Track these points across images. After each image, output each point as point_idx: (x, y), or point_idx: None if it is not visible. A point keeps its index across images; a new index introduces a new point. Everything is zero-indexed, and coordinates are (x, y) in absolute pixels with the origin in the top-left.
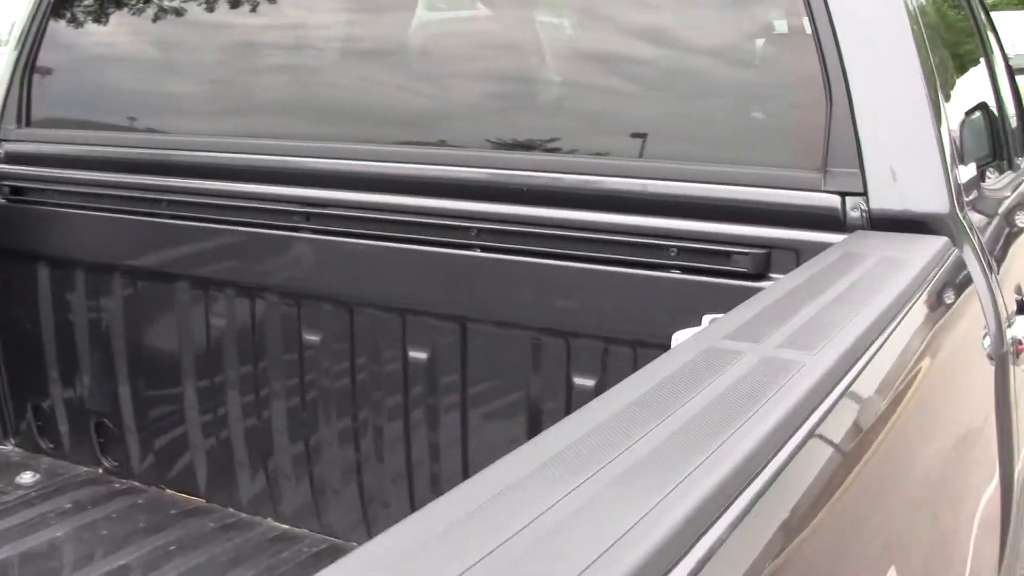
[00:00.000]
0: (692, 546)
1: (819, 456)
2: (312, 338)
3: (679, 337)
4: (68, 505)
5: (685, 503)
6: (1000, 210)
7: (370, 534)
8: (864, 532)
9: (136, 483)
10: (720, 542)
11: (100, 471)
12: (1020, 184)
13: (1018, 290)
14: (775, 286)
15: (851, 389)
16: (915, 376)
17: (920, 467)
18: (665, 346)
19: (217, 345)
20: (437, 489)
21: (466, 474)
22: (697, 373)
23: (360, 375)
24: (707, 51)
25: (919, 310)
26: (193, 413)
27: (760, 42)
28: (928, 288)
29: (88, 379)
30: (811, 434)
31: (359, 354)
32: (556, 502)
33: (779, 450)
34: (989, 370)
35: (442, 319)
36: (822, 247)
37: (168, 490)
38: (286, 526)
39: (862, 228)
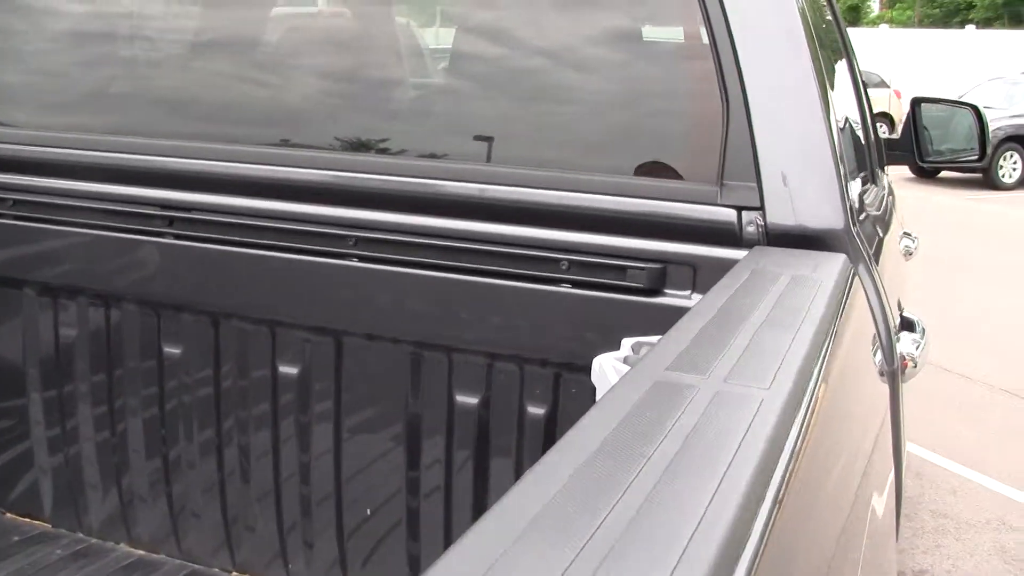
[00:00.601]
0: None
1: (784, 494)
2: (172, 350)
3: (602, 363)
4: None
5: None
6: (877, 225)
7: (233, 560)
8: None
9: None
10: None
11: None
12: (883, 199)
13: (899, 306)
14: (699, 309)
15: (806, 421)
16: (835, 399)
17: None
18: (554, 363)
19: (67, 356)
20: (307, 511)
21: (339, 494)
22: (655, 413)
23: (225, 390)
24: (601, 58)
25: (841, 332)
26: (38, 429)
27: (658, 49)
28: (842, 308)
29: None
30: (785, 478)
31: (224, 368)
32: None
33: (761, 502)
34: (883, 387)
35: (315, 332)
36: (719, 263)
37: (8, 514)
38: (142, 552)
39: (758, 243)
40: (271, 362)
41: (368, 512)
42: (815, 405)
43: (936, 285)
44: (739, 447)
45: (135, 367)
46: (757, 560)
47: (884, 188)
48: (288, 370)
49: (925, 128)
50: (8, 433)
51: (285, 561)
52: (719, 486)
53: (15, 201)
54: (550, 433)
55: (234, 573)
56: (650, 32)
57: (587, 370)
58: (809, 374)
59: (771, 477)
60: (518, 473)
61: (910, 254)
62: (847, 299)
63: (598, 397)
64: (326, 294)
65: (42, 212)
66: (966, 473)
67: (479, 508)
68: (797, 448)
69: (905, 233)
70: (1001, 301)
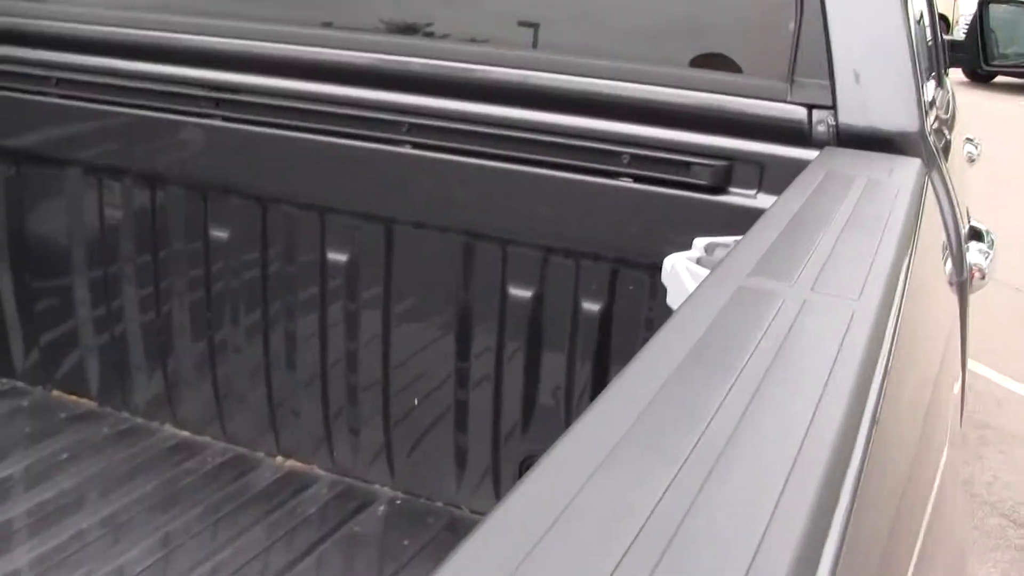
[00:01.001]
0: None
1: (880, 410)
2: (219, 234)
3: (675, 263)
4: None
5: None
6: (945, 129)
7: (278, 444)
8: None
9: (19, 383)
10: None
11: None
12: (948, 102)
13: (967, 214)
14: (774, 211)
15: (896, 333)
16: (916, 310)
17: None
18: (611, 259)
19: (113, 237)
20: (353, 398)
21: (386, 382)
22: (742, 323)
23: (272, 274)
24: None
25: (922, 240)
26: (84, 308)
27: None
28: (920, 216)
29: None
30: (881, 392)
31: (271, 253)
32: (656, 503)
33: (861, 418)
34: (953, 298)
35: (364, 219)
36: (787, 163)
37: (56, 392)
38: (187, 433)
39: (828, 144)
40: (320, 248)
41: (415, 402)
42: (902, 316)
43: (991, 193)
44: (835, 361)
45: (181, 249)
46: (861, 477)
47: (948, 91)
48: (337, 257)
49: (992, 30)
50: (54, 312)
51: (330, 448)
52: (819, 402)
53: (59, 80)
54: (605, 329)
55: (279, 458)
56: None
57: (645, 267)
58: (895, 284)
59: (868, 392)
60: (570, 369)
61: (972, 160)
62: (923, 206)
63: (669, 299)
64: (376, 180)
65: (87, 91)
66: (1011, 385)
67: (529, 401)
68: (889, 362)
69: (967, 138)
70: None
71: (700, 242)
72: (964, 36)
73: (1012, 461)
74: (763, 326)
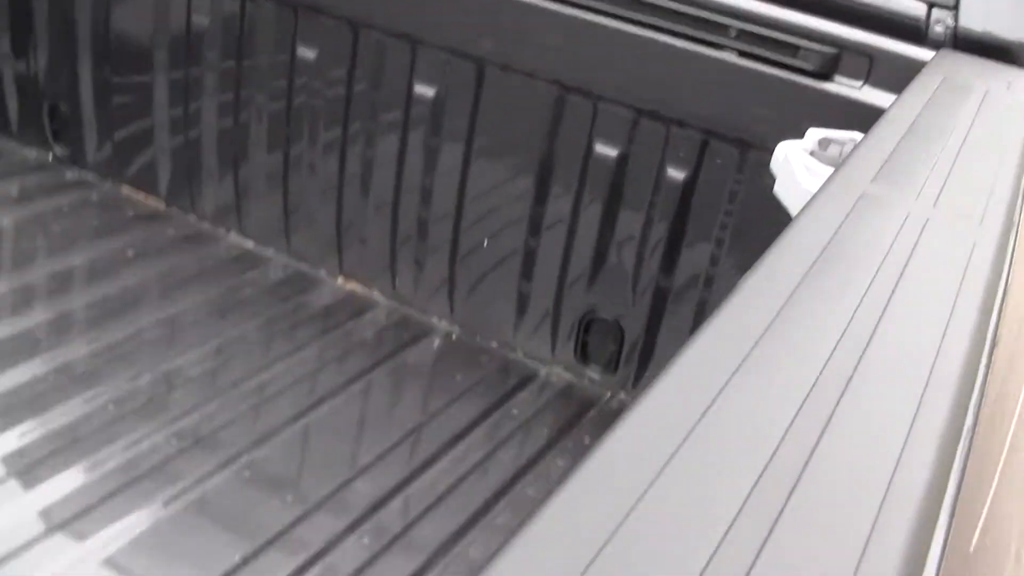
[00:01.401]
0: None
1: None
2: (307, 53)
3: (788, 152)
4: (13, 192)
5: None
6: None
7: (341, 266)
8: None
9: (89, 176)
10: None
11: (50, 158)
12: None
13: None
14: (893, 116)
15: (1012, 265)
16: None
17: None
18: (703, 129)
19: (197, 41)
20: (423, 230)
21: (458, 217)
22: (868, 235)
23: (356, 96)
24: None
25: None
26: (162, 108)
27: None
28: None
29: (45, 58)
30: (1000, 317)
31: (358, 78)
32: (790, 424)
33: (983, 344)
34: None
35: (457, 56)
36: (898, 59)
37: (124, 188)
38: (251, 244)
39: (943, 45)
40: (408, 78)
41: (485, 243)
42: (1019, 241)
43: None
44: (959, 289)
45: (266, 62)
46: (983, 398)
47: None
48: (423, 90)
49: None
50: (131, 108)
51: (393, 275)
52: (947, 326)
53: None
54: (686, 199)
55: (340, 279)
56: None
57: (735, 142)
58: (1014, 210)
59: (990, 319)
60: (645, 232)
61: None
62: None
63: (778, 187)
64: (471, 18)
65: None
66: None
67: (598, 258)
68: (1008, 283)
69: None
70: None
71: (814, 133)
72: None
73: None
74: (887, 243)
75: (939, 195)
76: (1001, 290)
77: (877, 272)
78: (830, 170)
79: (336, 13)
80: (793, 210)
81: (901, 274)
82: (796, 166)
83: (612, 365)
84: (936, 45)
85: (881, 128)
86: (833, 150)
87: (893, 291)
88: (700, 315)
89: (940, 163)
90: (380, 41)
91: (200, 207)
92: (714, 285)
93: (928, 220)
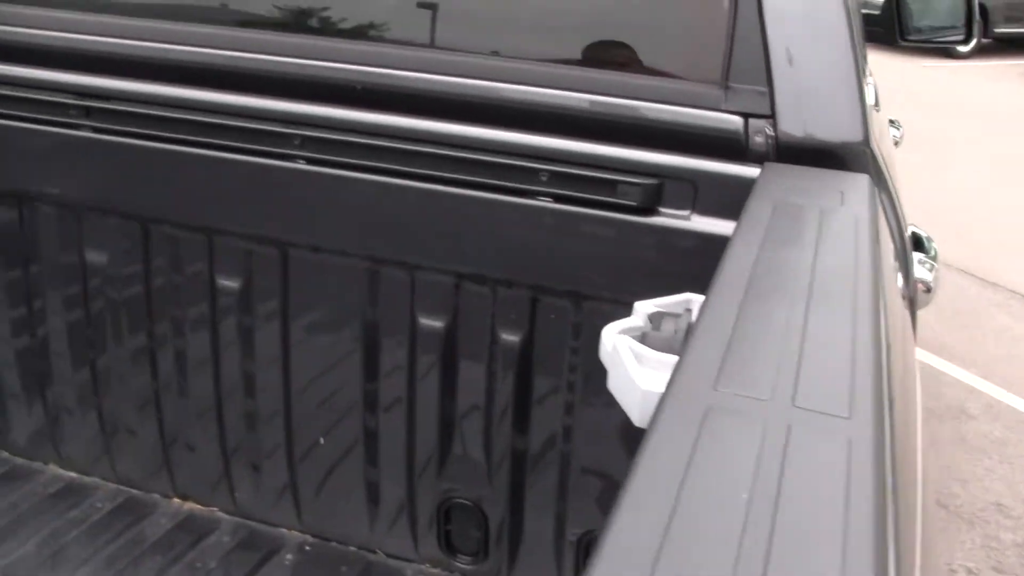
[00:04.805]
0: None
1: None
2: (97, 258)
3: (616, 342)
4: None
5: None
6: (878, 124)
7: (174, 485)
8: None
9: None
10: None
11: None
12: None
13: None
14: (728, 271)
15: (893, 454)
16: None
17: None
18: (530, 285)
19: None
20: (253, 428)
21: (288, 412)
22: (725, 463)
23: (157, 298)
24: None
25: (888, 290)
26: None
27: None
28: (880, 243)
29: None
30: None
31: (155, 277)
32: None
33: None
34: (906, 314)
35: (258, 243)
36: (722, 179)
37: None
38: (73, 474)
39: (766, 158)
40: (209, 275)
41: (321, 440)
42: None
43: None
44: (846, 505)
45: (55, 269)
46: None
47: (870, 72)
48: (228, 284)
49: (906, 3)
50: None
51: (231, 488)
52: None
53: None
54: (525, 359)
55: (175, 500)
56: None
57: (568, 295)
58: (883, 395)
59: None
60: (490, 399)
61: (897, 144)
62: (879, 237)
63: (611, 383)
64: (269, 200)
65: None
66: (927, 359)
67: (445, 431)
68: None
69: (890, 121)
70: (951, 174)
71: (642, 308)
72: (880, 10)
73: (930, 438)
74: (750, 469)
75: (795, 389)
76: (891, 498)
77: (748, 512)
78: (666, 359)
79: (123, 212)
80: (632, 412)
81: (776, 507)
82: (627, 359)
83: (481, 552)
84: (759, 158)
85: (715, 296)
86: (667, 327)
87: (772, 530)
88: (565, 473)
89: (789, 339)
90: (173, 236)
91: (10, 440)
92: (574, 435)
93: (790, 427)
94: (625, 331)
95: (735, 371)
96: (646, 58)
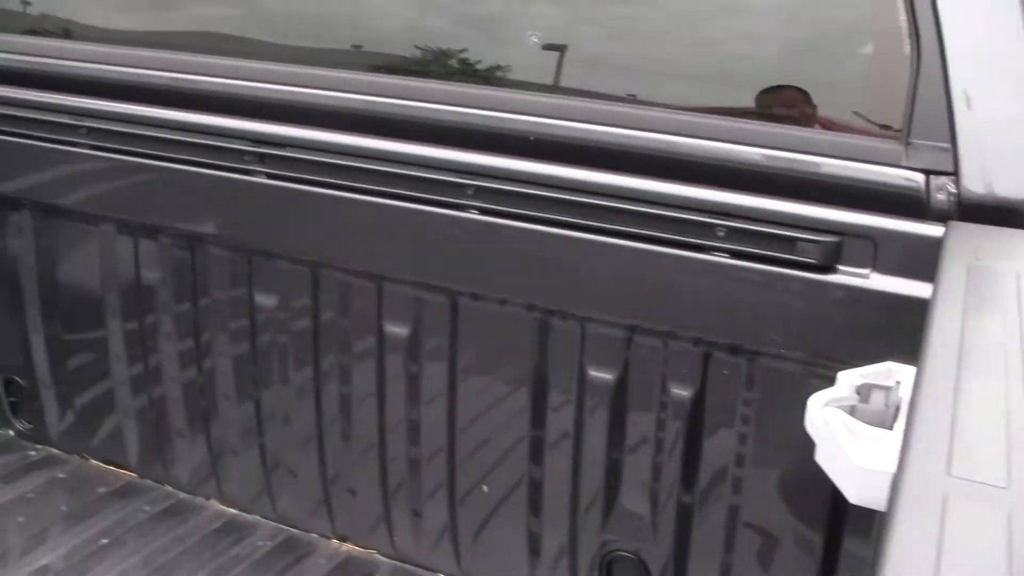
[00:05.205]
0: None
1: None
2: (267, 302)
3: (827, 416)
4: None
5: None
6: None
7: (333, 524)
8: None
9: (55, 451)
10: None
11: (11, 434)
12: None
13: None
14: (935, 341)
15: None
16: None
17: None
18: (703, 341)
19: (148, 292)
20: (416, 471)
21: (452, 454)
22: (975, 556)
23: (324, 336)
24: None
25: None
26: (119, 366)
27: None
28: None
29: None
30: None
31: (323, 322)
32: None
33: None
34: None
35: (428, 291)
36: (903, 238)
37: (92, 461)
38: (234, 511)
39: (949, 216)
40: (378, 321)
41: (484, 489)
42: None
43: None
44: None
45: (224, 305)
46: None
47: None
48: (396, 329)
49: None
50: (89, 370)
51: (390, 530)
52: None
53: (89, 129)
54: (696, 416)
55: (333, 540)
56: None
57: (742, 352)
58: None
59: None
60: (656, 456)
61: None
62: None
63: (820, 456)
64: (440, 248)
65: (119, 142)
66: None
67: (611, 480)
68: None
69: None
70: None
71: (847, 378)
72: None
73: None
74: (1003, 568)
75: None
76: None
77: None
78: (882, 435)
79: (293, 256)
80: (847, 488)
81: None
82: (839, 433)
83: None
84: (941, 216)
85: (928, 370)
86: (876, 400)
87: None
88: (731, 527)
89: (1013, 419)
90: (344, 281)
91: (174, 475)
92: (742, 489)
93: None
94: (832, 402)
95: (966, 454)
96: (824, 111)
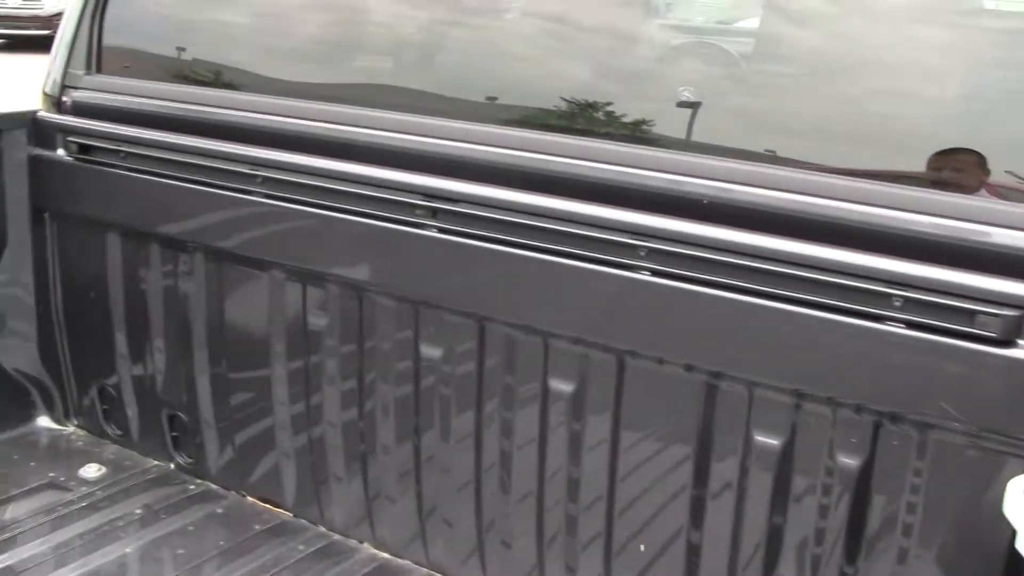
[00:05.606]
0: None
1: None
2: (432, 353)
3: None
4: (138, 511)
5: None
6: None
7: (485, 571)
8: None
9: (213, 486)
10: None
11: (172, 467)
12: None
13: None
14: None
15: None
16: None
17: None
18: (874, 411)
19: (315, 336)
20: (572, 528)
21: (611, 507)
22: None
23: (488, 387)
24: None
25: None
26: (281, 406)
27: (1008, 22)
28: None
29: (161, 363)
30: None
31: (489, 379)
32: None
33: None
34: None
35: (595, 349)
36: None
37: (249, 498)
38: (386, 555)
39: None
40: (543, 377)
41: (641, 548)
42: None
43: None
44: None
45: (388, 349)
46: None
47: None
48: (561, 387)
49: None
50: (251, 408)
51: None
52: None
53: (264, 178)
54: (863, 485)
55: None
56: None
57: (913, 424)
58: None
59: None
60: (820, 525)
61: None
62: None
63: (1021, 544)
64: (608, 308)
65: (292, 192)
66: None
67: (770, 555)
68: None
69: None
70: None
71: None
72: None
73: None
74: None
75: None
76: None
77: None
78: None
79: (460, 310)
80: None
81: None
82: None
83: None
84: None
85: None
86: None
87: None
88: None
89: None
90: (510, 335)
91: (329, 517)
92: (908, 561)
93: None
94: None
95: None
96: (999, 180)
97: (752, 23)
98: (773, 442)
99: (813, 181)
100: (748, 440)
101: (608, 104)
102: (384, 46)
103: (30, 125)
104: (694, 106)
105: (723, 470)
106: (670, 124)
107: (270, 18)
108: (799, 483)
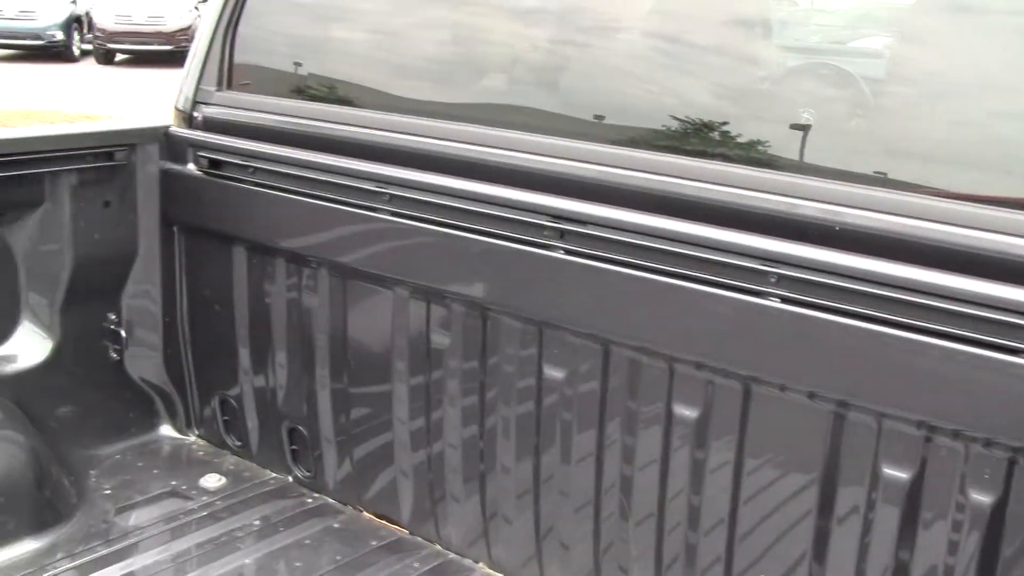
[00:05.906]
0: None
1: None
2: (554, 374)
3: None
4: (256, 522)
5: None
6: None
7: None
8: None
9: (330, 500)
10: None
11: (290, 479)
12: None
13: None
14: None
15: None
16: None
17: None
18: (1008, 447)
19: (437, 354)
20: (692, 555)
21: (731, 536)
22: None
23: (610, 411)
24: None
25: None
26: (401, 424)
27: None
28: None
29: (283, 377)
30: None
31: (611, 401)
32: None
33: None
34: None
35: (720, 375)
36: None
37: (365, 513)
38: None
39: None
40: (666, 403)
41: None
42: None
43: None
44: None
45: (509, 385)
46: None
47: None
48: (685, 413)
49: None
50: (370, 424)
51: None
52: None
53: (392, 196)
54: (996, 522)
55: None
56: None
57: None
58: None
59: None
60: (949, 565)
61: None
62: None
63: None
64: (737, 334)
65: (418, 210)
66: None
67: None
68: None
69: None
70: None
71: None
72: None
73: None
74: None
75: None
76: None
77: None
78: None
79: (585, 332)
80: None
81: None
82: None
83: None
84: None
85: None
86: None
87: None
88: None
89: None
90: (634, 360)
91: (445, 535)
92: None
93: None
94: None
95: None
96: None
97: None
98: (902, 476)
99: (951, 210)
100: (876, 473)
101: (736, 127)
102: (511, 66)
103: (162, 140)
104: (826, 129)
105: (848, 502)
106: (803, 148)
107: (397, 37)
108: (926, 519)
